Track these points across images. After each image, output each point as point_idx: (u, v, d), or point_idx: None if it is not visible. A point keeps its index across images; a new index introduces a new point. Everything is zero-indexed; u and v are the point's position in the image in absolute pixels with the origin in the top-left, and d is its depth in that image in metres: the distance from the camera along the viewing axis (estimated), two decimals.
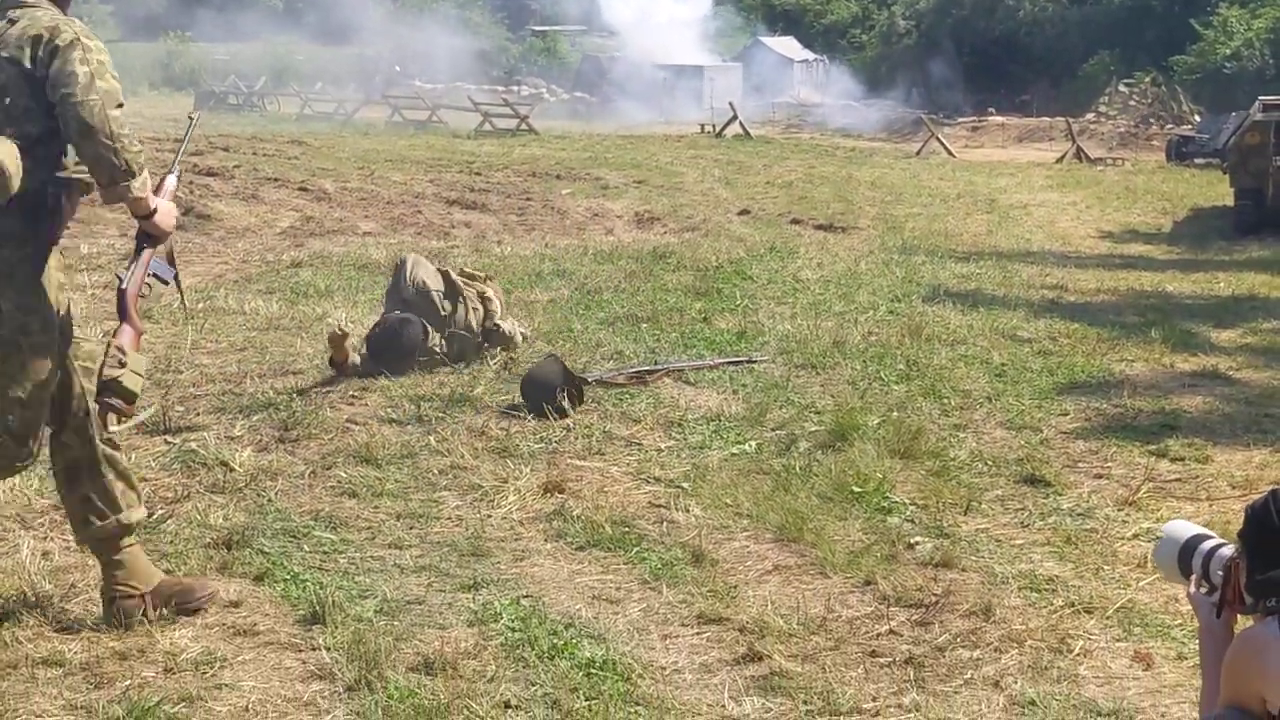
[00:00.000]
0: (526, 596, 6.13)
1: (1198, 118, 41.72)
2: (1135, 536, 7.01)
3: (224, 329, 11.43)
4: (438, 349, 9.94)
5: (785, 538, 6.87)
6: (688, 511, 7.26)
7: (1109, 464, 8.29)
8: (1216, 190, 26.77)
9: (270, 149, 33.23)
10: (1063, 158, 37.85)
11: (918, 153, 40.26)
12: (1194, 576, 3.86)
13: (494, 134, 42.50)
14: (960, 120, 51.43)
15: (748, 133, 45.02)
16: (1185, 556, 3.92)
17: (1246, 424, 9.14)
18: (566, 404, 8.87)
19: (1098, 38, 59.49)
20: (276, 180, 25.17)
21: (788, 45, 73.12)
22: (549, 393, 8.89)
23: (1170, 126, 43.46)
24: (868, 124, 53.31)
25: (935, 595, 6.13)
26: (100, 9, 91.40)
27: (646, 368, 10.05)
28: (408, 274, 10.30)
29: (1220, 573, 3.73)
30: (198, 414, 8.85)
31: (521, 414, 8.85)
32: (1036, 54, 62.55)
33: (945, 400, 9.61)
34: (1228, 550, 3.77)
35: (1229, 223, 23.11)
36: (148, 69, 70.34)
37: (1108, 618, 5.96)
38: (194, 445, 8.12)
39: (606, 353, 10.70)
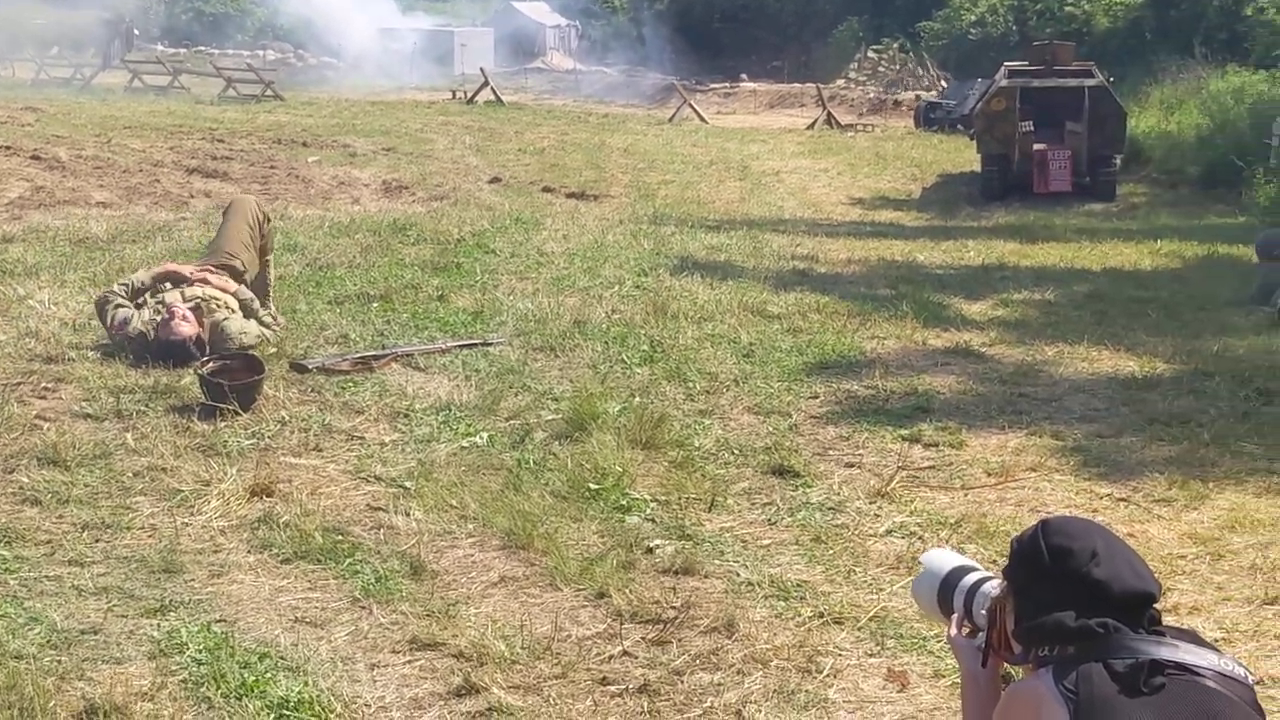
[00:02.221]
0: (219, 621, 5.45)
1: (945, 84, 42.01)
2: (888, 533, 6.58)
3: None
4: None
5: (513, 544, 6.29)
6: (408, 515, 6.63)
7: (860, 451, 7.86)
8: (964, 156, 26.91)
9: (1, 115, 31.70)
10: (814, 124, 37.84)
11: (671, 119, 39.90)
12: (955, 616, 3.31)
13: (238, 100, 41.14)
14: (713, 86, 51.19)
15: (500, 99, 44.28)
16: (946, 593, 3.34)
17: (1000, 405, 8.78)
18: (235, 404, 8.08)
19: (847, 4, 59.68)
20: (8, 148, 23.89)
21: (539, 10, 72.36)
22: (217, 391, 8.10)
23: (918, 93, 43.72)
24: (621, 90, 52.87)
25: (674, 608, 5.61)
26: None
27: (373, 353, 9.35)
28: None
29: (984, 613, 3.19)
30: None
31: (233, 407, 8.11)
32: (787, 20, 62.61)
33: (691, 384, 9.10)
34: (992, 587, 3.21)
35: (976, 189, 23.20)
36: None
37: (860, 629, 5.50)
38: None
39: (331, 336, 9.95)
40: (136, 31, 53.29)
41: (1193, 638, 2.90)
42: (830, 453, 7.85)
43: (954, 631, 3.29)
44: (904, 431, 8.14)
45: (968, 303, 12.42)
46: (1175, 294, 13.11)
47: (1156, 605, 2.89)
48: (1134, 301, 12.63)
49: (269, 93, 42.45)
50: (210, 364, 8.44)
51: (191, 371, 8.50)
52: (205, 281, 9.54)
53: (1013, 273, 14.23)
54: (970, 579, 3.31)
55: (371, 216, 16.68)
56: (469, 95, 44.79)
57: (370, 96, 45.88)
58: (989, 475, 7.44)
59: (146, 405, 8.12)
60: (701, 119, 39.78)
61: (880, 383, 9.16)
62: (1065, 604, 2.86)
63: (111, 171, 20.99)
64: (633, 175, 24.17)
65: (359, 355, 9.23)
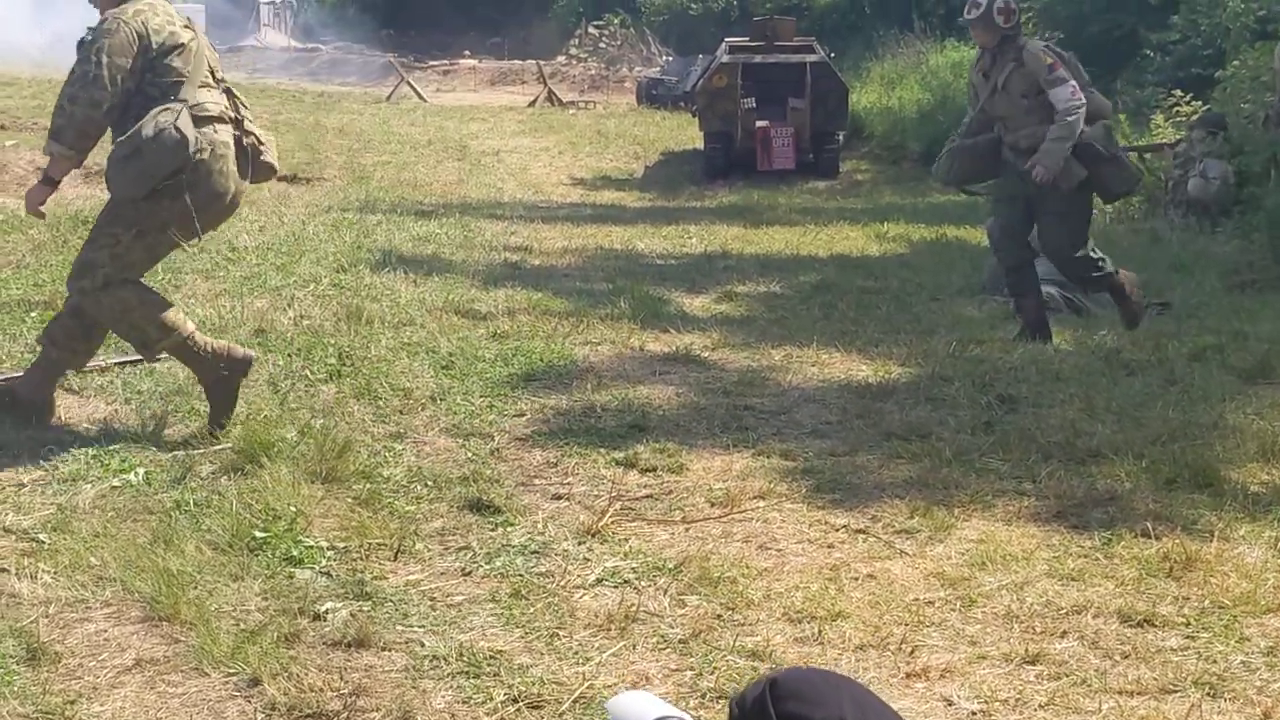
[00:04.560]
0: None
1: (667, 60, 41.51)
2: (599, 581, 5.75)
3: None
4: None
5: (157, 614, 5.30)
6: (35, 579, 5.58)
7: (570, 479, 7.01)
8: (687, 134, 26.41)
9: None
10: (535, 101, 37.02)
11: (388, 98, 38.68)
12: None
13: None
14: (432, 64, 50.03)
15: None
16: None
17: (724, 420, 7.98)
18: None
19: None
20: None
21: None
22: None
23: (640, 69, 43.19)
24: (338, 68, 51.44)
25: (340, 695, 4.71)
26: None
27: (17, 374, 8.21)
28: None
29: None
30: None
31: None
32: None
33: (382, 402, 8.14)
34: None
35: (699, 167, 22.71)
36: None
37: (560, 716, 4.65)
38: None
39: None
40: None
41: None
42: (536, 482, 7.00)
43: None
44: (618, 454, 7.32)
45: (689, 297, 11.71)
46: (905, 283, 12.55)
47: None
48: (864, 293, 12.03)
49: None
50: None
51: None
52: None
53: (736, 261, 13.57)
54: None
55: (53, 209, 15.29)
56: None
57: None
58: (712, 505, 6.64)
59: None
60: (420, 97, 38.68)
61: (593, 396, 8.33)
62: None
63: None
64: (347, 156, 23.09)
65: (2, 377, 8.09)
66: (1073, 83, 9.90)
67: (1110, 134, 10.38)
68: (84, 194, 17.03)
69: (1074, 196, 10.04)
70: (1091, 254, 10.24)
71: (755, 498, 6.74)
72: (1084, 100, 9.91)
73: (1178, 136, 17.33)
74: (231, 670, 4.89)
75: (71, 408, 7.84)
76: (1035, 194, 10.01)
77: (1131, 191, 11.26)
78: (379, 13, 63.33)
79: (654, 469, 7.13)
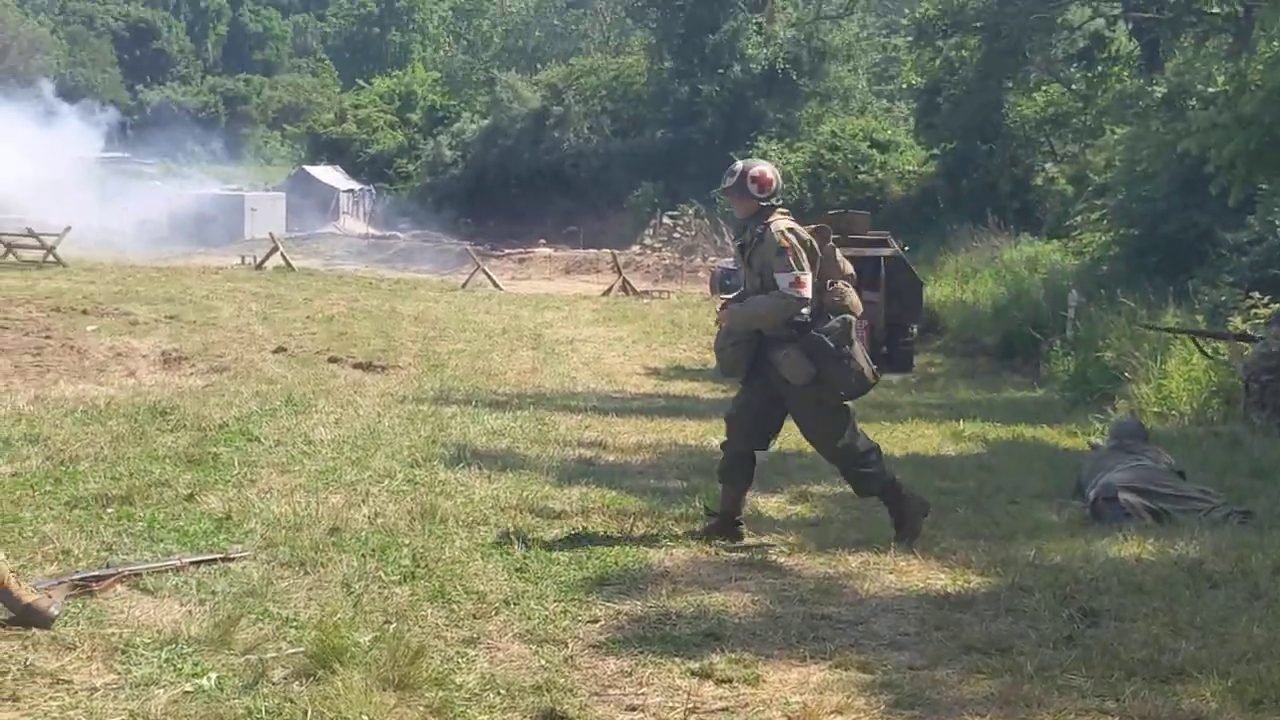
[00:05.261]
0: None
1: None
2: None
3: None
4: None
5: None
6: None
7: (644, 689, 6.90)
8: None
9: None
10: (609, 290, 37.34)
11: (464, 285, 39.14)
12: None
13: (18, 266, 39.57)
14: (507, 252, 50.67)
15: (290, 264, 43.28)
16: None
17: (800, 631, 7.85)
18: None
19: (642, 169, 59.84)
20: None
21: (333, 175, 71.52)
22: None
23: (714, 259, 43.51)
24: (414, 256, 52.12)
25: None
26: None
27: (94, 573, 8.23)
28: None
29: None
30: None
31: None
32: (583, 185, 62.52)
33: (456, 605, 8.08)
34: None
35: None
36: None
37: None
38: None
39: (52, 552, 8.74)
40: None
41: None
42: (610, 692, 6.89)
43: None
44: (693, 664, 7.20)
45: (763, 496, 11.63)
46: (983, 485, 12.45)
47: None
48: (941, 494, 11.92)
49: (50, 258, 41.04)
50: None
51: None
52: None
53: (810, 458, 13.44)
54: None
55: (124, 402, 15.41)
56: (258, 260, 43.70)
57: (156, 262, 44.62)
58: None
59: None
60: (495, 285, 39.12)
61: (667, 602, 8.24)
62: None
63: None
64: (423, 344, 23.34)
65: (78, 577, 8.10)
66: (797, 274, 9.60)
67: (848, 331, 9.84)
68: (162, 381, 17.25)
69: (815, 391, 9.78)
70: (857, 445, 9.98)
71: (833, 712, 6.61)
72: (807, 297, 9.63)
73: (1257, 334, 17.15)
74: None
75: (146, 609, 7.81)
76: (779, 383, 9.82)
77: (852, 395, 10.08)
78: (456, 201, 64.29)
79: (729, 680, 7.01)
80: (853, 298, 9.93)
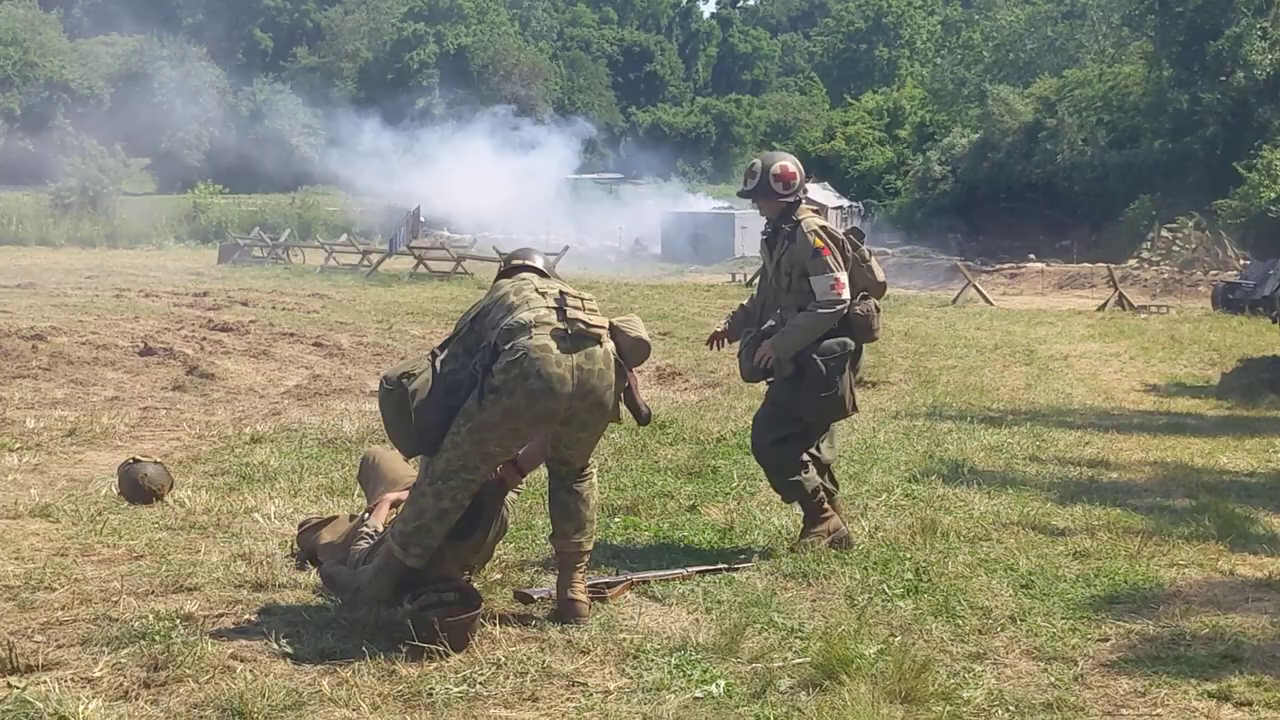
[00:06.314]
0: None
1: (1244, 263, 40.23)
2: None
3: (129, 528, 9.87)
4: None
5: None
6: None
7: (1159, 710, 6.70)
8: (1266, 339, 25.43)
9: (290, 302, 32.47)
10: (1104, 305, 36.43)
11: (954, 301, 38.81)
12: None
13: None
14: (998, 267, 49.99)
15: (884, 279, 43.74)
16: None
17: None
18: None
19: (1139, 181, 58.22)
20: (291, 335, 24.45)
21: (822, 192, 72.01)
22: (425, 629, 7.29)
23: (1215, 272, 42.02)
24: (903, 272, 52.02)
25: None
26: (136, 162, 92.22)
27: (605, 580, 8.49)
28: None
29: None
30: (58, 645, 7.33)
31: (443, 647, 7.29)
32: (1076, 198, 61.25)
33: (960, 621, 8.02)
34: None
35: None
36: (174, 222, 69.59)
37: None
38: (36, 692, 6.58)
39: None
40: (423, 219, 54.07)
41: None
42: (1123, 711, 6.72)
43: None
44: (1210, 685, 6.95)
45: None
46: None
47: None
48: None
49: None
50: (421, 596, 7.66)
51: (404, 604, 7.73)
52: None
53: None
54: None
55: (625, 416, 15.83)
56: (749, 278, 44.36)
57: (649, 279, 45.77)
58: None
59: (350, 641, 7.36)
60: (986, 300, 38.63)
61: (1180, 622, 7.98)
62: None
63: (389, 359, 21.05)
64: (913, 360, 23.22)
65: (591, 583, 8.38)
66: (836, 276, 9.13)
67: (844, 359, 9.35)
68: (658, 395, 17.64)
69: (787, 385, 9.34)
70: (790, 453, 9.46)
71: None
72: (846, 299, 9.15)
73: None
74: None
75: (655, 616, 8.02)
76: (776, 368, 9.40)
77: (820, 422, 9.64)
78: (946, 217, 63.88)
79: (1249, 703, 6.74)
80: (877, 321, 9.58)
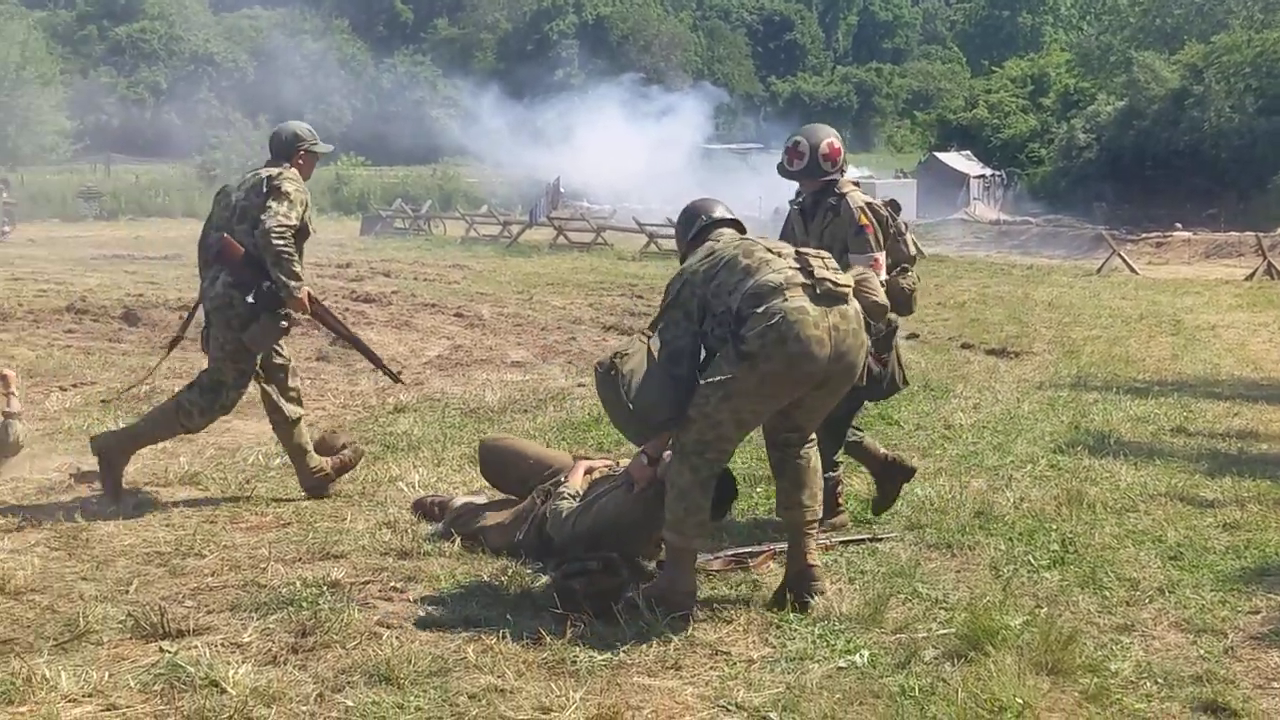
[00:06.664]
0: None
1: None
2: None
3: (275, 496, 10.06)
4: None
5: None
6: None
7: None
8: None
9: (432, 273, 32.76)
10: (1253, 274, 35.77)
11: (1098, 270, 38.30)
12: None
13: (660, 255, 41.18)
14: (1144, 236, 49.21)
15: (920, 251, 43.37)
16: None
17: None
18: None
19: None
20: (433, 306, 24.68)
21: (963, 161, 71.35)
22: (569, 597, 7.34)
23: None
24: (1047, 241, 51.42)
25: None
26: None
27: (748, 549, 8.49)
28: None
29: None
30: (208, 611, 7.46)
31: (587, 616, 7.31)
32: (1223, 166, 60.18)
33: (1107, 592, 7.92)
34: None
35: None
36: (318, 194, 70.33)
37: None
38: (187, 656, 6.70)
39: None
40: (563, 190, 54.27)
41: None
42: (1274, 685, 6.60)
43: None
44: None
45: None
46: None
47: None
48: None
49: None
50: (565, 565, 7.68)
51: (547, 574, 7.77)
52: None
53: None
54: None
55: None
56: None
57: None
58: None
59: (493, 610, 7.42)
60: (1132, 270, 38.09)
61: None
62: None
63: (530, 329, 21.16)
64: (1056, 330, 22.96)
65: (733, 553, 8.37)
66: (876, 254, 8.95)
67: (892, 331, 9.26)
68: None
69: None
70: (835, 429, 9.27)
71: None
72: (885, 278, 8.86)
73: None
74: None
75: None
76: None
77: (872, 399, 9.78)
78: (1090, 185, 63.04)
79: None
80: (908, 299, 9.41)
